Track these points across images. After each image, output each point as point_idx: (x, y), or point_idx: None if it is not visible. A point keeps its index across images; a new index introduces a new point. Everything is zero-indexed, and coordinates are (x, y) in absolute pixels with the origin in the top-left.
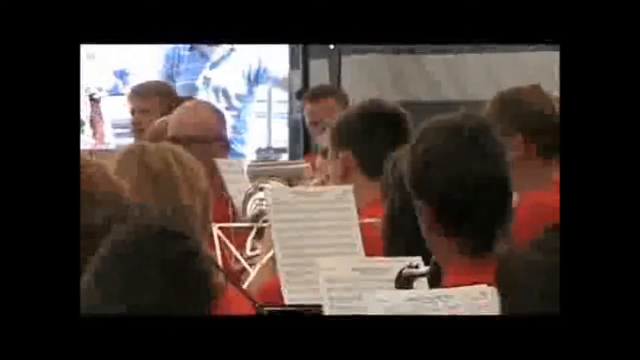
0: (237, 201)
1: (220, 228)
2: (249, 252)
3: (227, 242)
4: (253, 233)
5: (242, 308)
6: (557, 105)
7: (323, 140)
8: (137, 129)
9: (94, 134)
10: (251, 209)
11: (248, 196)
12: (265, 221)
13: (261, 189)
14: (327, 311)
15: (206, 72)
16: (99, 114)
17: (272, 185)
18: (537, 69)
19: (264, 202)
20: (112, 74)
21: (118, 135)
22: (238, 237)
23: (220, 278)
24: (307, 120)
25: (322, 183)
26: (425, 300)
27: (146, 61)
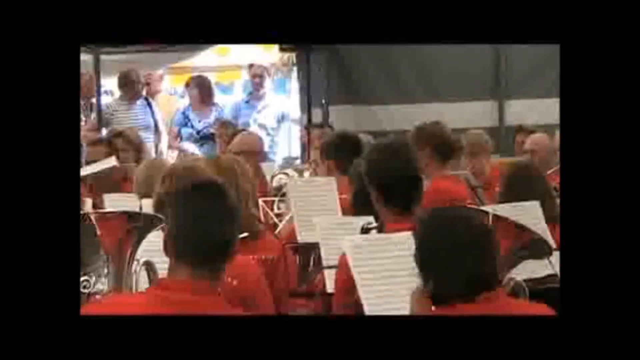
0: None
1: (262, 200)
2: (276, 210)
3: (267, 208)
4: (277, 200)
5: (274, 246)
6: (449, 130)
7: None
8: (220, 146)
9: None
10: (275, 182)
11: (274, 176)
12: (284, 193)
13: (284, 173)
14: (321, 247)
15: (255, 115)
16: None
17: (290, 172)
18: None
19: (282, 180)
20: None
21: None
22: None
23: (260, 227)
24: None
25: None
26: (373, 240)
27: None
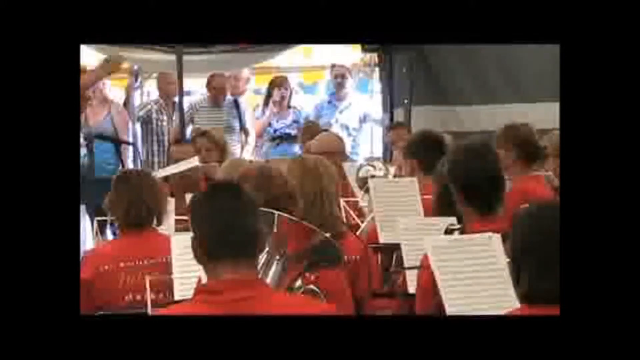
0: (353, 181)
1: (344, 201)
2: (361, 204)
3: (349, 208)
4: (362, 192)
5: (357, 246)
6: (534, 131)
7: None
8: (303, 147)
9: None
10: (362, 172)
11: (359, 167)
12: (367, 187)
13: (371, 165)
14: (403, 248)
15: (337, 115)
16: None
17: (377, 164)
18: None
19: (370, 171)
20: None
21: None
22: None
23: (343, 227)
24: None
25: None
26: (456, 241)
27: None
